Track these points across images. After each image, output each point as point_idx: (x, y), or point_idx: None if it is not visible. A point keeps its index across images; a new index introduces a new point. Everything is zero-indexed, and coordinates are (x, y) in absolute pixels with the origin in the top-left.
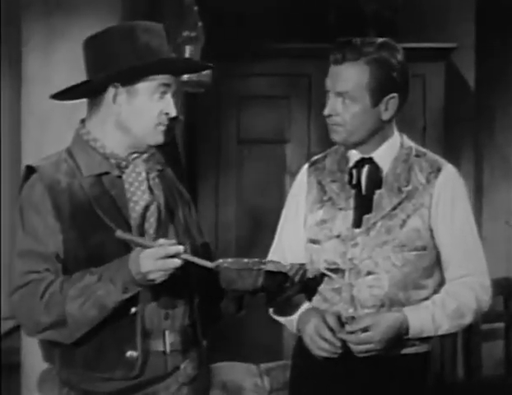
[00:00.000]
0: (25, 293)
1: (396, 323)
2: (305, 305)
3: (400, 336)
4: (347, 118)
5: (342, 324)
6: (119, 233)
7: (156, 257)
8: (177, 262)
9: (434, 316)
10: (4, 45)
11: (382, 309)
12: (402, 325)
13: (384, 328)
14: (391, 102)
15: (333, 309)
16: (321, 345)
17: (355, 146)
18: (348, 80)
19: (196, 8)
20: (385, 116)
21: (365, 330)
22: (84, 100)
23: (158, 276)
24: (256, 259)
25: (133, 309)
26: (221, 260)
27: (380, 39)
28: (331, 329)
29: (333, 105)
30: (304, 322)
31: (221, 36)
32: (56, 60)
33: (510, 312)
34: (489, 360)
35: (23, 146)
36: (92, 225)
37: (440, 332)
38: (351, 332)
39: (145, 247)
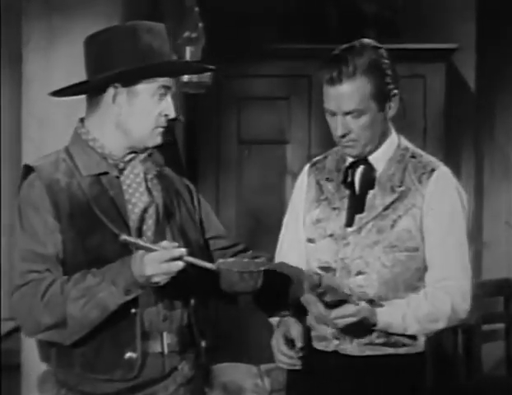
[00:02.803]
0: (26, 292)
1: (365, 308)
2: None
3: (368, 322)
4: (361, 132)
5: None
6: (123, 236)
7: (161, 261)
8: (180, 264)
9: (404, 316)
10: (4, 45)
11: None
12: (372, 313)
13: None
14: (393, 99)
15: None
16: (280, 358)
17: (370, 153)
18: (353, 97)
19: (197, 9)
20: (391, 113)
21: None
22: (84, 100)
23: (162, 279)
24: (257, 260)
25: (133, 310)
26: (220, 260)
27: (362, 43)
28: (291, 341)
29: (345, 125)
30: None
31: (221, 37)
32: (56, 60)
33: (511, 313)
34: (489, 361)
35: (23, 146)
36: (91, 225)
37: (409, 333)
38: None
39: (149, 250)
